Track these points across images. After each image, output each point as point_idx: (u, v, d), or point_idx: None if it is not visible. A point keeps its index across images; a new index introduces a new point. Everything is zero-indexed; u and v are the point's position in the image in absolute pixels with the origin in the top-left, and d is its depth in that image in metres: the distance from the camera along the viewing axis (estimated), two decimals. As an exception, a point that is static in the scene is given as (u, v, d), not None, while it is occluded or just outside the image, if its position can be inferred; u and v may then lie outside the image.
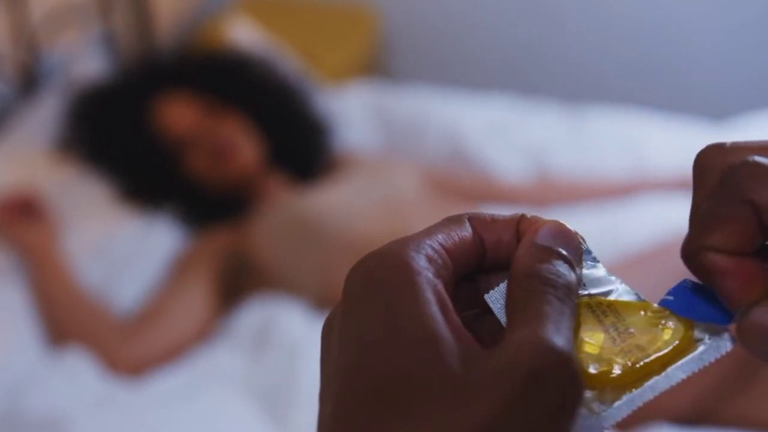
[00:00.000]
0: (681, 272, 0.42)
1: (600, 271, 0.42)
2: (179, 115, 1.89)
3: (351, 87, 2.28)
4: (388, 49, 2.79)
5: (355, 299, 0.39)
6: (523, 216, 0.42)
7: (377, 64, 2.70)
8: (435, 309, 0.37)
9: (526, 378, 0.35)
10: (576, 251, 0.41)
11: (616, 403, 0.38)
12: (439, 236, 0.41)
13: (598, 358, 0.39)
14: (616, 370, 0.39)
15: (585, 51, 2.71)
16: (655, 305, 0.41)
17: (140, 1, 2.34)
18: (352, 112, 2.17)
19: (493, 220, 0.42)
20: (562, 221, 0.42)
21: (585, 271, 0.42)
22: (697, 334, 0.40)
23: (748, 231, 0.39)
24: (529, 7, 2.70)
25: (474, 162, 2.06)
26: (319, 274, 1.71)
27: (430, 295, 0.38)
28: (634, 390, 0.39)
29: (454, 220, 0.42)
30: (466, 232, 0.41)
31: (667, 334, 0.40)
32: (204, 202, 1.87)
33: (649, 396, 0.39)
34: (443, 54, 2.81)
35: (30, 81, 2.10)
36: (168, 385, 1.55)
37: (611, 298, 0.41)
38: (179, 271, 1.77)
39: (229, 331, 1.68)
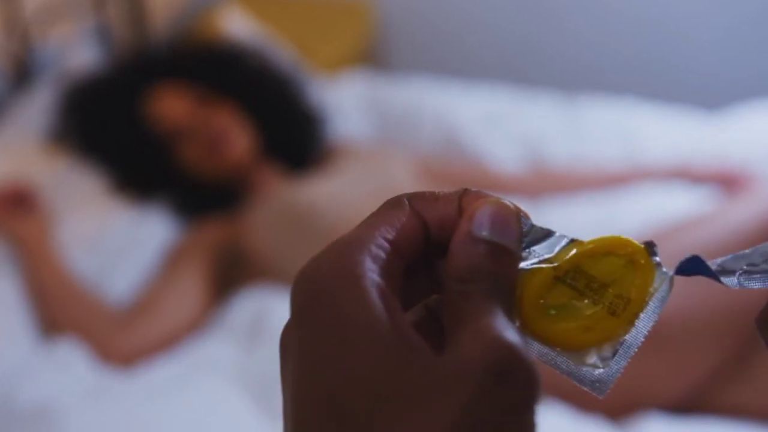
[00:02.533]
0: (674, 259, 0.42)
1: (547, 235, 0.42)
2: (172, 107, 1.88)
3: (345, 78, 2.28)
4: (383, 40, 2.79)
5: (302, 312, 0.38)
6: (465, 191, 0.41)
7: (372, 55, 2.70)
8: (382, 315, 0.36)
9: (484, 376, 0.34)
10: (514, 233, 0.40)
11: (617, 353, 0.40)
12: (381, 228, 0.39)
13: (587, 324, 0.40)
14: (606, 326, 0.40)
15: (580, 41, 2.71)
16: (606, 236, 0.42)
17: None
18: (347, 103, 2.17)
19: (435, 198, 0.41)
20: (500, 201, 0.40)
21: (536, 246, 0.41)
22: (657, 274, 0.42)
23: None
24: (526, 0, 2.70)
25: (469, 152, 2.06)
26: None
27: (375, 300, 0.37)
28: (627, 336, 0.40)
29: (393, 205, 0.40)
30: (407, 216, 0.40)
31: (637, 276, 0.41)
32: (197, 194, 1.87)
33: (641, 338, 0.40)
34: (438, 45, 2.81)
35: (23, 73, 2.09)
36: (161, 376, 1.55)
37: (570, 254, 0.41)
38: (173, 262, 1.77)
39: (223, 322, 1.68)
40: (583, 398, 1.42)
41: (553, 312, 0.40)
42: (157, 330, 1.65)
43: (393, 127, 2.13)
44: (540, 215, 1.90)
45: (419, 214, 0.40)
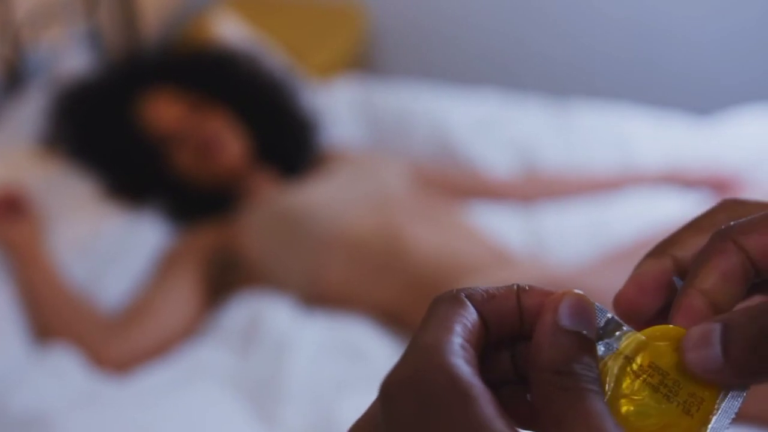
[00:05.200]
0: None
1: (616, 326, 0.41)
2: (165, 112, 1.88)
3: (338, 83, 2.27)
4: (375, 45, 2.79)
5: (409, 422, 0.38)
6: (521, 288, 0.41)
7: (364, 60, 2.70)
8: (499, 424, 0.37)
9: None
10: (594, 325, 0.40)
11: None
12: (458, 329, 0.39)
13: (664, 422, 0.39)
14: (682, 425, 0.39)
15: (572, 47, 2.72)
16: (670, 328, 0.41)
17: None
18: (339, 108, 2.17)
19: (491, 296, 0.41)
20: (579, 292, 0.41)
21: (608, 338, 0.41)
22: None
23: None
24: (517, 2, 2.71)
25: (461, 158, 2.06)
26: (307, 270, 1.71)
27: (490, 410, 0.37)
28: None
29: (456, 304, 0.41)
30: (473, 314, 0.41)
31: None
32: (190, 199, 1.87)
33: None
34: (430, 50, 2.81)
35: (15, 78, 2.09)
36: (154, 382, 1.54)
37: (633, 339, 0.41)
38: (165, 267, 1.77)
39: (217, 327, 1.67)
40: None
41: (630, 408, 0.40)
42: (150, 336, 1.64)
43: (385, 133, 2.13)
44: (533, 220, 1.90)
45: (478, 311, 0.41)
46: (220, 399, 1.50)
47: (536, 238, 1.86)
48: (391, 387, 0.39)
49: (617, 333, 0.41)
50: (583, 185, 1.95)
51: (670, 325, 0.40)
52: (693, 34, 2.62)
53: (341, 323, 1.64)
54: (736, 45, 2.62)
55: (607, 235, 1.80)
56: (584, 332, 0.40)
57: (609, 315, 0.41)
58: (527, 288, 0.41)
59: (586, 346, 0.39)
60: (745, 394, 0.39)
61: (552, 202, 1.94)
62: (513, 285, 0.42)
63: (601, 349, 0.41)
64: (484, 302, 0.41)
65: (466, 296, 0.41)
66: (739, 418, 0.39)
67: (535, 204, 1.94)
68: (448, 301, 0.41)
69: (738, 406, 0.39)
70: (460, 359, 0.38)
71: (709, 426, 0.39)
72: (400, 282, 1.64)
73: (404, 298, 1.63)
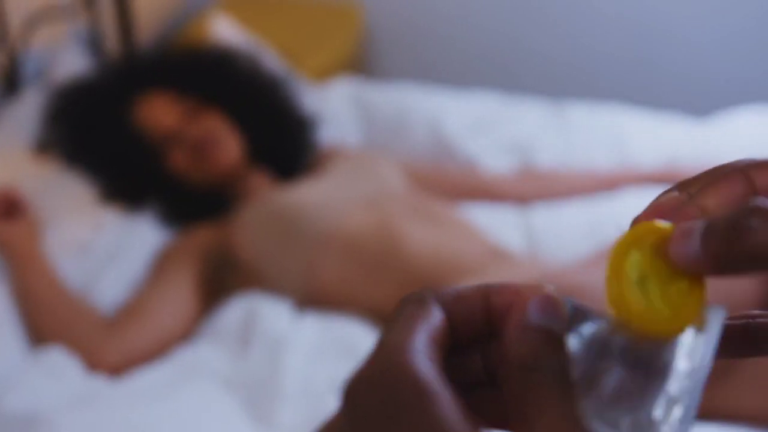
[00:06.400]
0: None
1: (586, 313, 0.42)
2: (161, 113, 1.88)
3: (334, 83, 2.27)
4: (371, 46, 2.79)
5: (371, 422, 0.38)
6: (491, 288, 0.42)
7: (360, 61, 2.70)
8: (460, 424, 0.37)
9: None
10: (562, 318, 0.41)
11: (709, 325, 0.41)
12: (422, 329, 0.40)
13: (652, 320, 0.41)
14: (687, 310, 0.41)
15: (568, 46, 2.72)
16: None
17: (122, 0, 2.33)
18: (335, 108, 2.17)
19: (460, 297, 0.42)
20: (548, 288, 0.41)
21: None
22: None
23: None
24: (514, 2, 2.71)
25: (458, 158, 2.06)
26: (303, 270, 1.71)
27: (452, 409, 0.37)
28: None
29: (421, 305, 0.41)
30: (438, 315, 0.41)
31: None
32: (186, 200, 1.87)
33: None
34: (426, 51, 2.81)
35: (11, 80, 2.09)
36: (150, 382, 1.54)
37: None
38: (162, 268, 1.77)
39: (213, 327, 1.67)
40: None
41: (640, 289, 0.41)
42: (147, 337, 1.64)
43: (381, 133, 2.14)
44: (529, 219, 1.90)
45: (445, 311, 0.41)
46: (217, 399, 1.50)
47: (533, 237, 1.86)
48: (354, 387, 0.39)
49: (588, 322, 0.41)
50: (579, 185, 1.96)
51: (660, 223, 0.41)
52: (690, 35, 2.63)
53: (337, 323, 1.64)
54: (734, 46, 2.62)
55: (603, 234, 1.80)
56: (553, 328, 0.40)
57: (575, 304, 0.42)
58: (498, 287, 0.42)
59: (555, 341, 0.40)
60: (725, 311, 0.41)
61: (549, 202, 1.94)
62: (483, 285, 0.42)
63: (573, 342, 0.41)
64: (453, 303, 0.41)
65: (435, 297, 0.41)
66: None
67: (532, 203, 1.95)
68: (413, 302, 0.41)
69: (721, 318, 0.41)
70: (423, 359, 0.38)
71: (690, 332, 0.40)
72: (396, 281, 1.64)
73: (400, 295, 1.62)
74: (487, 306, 0.42)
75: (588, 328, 0.41)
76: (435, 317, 0.41)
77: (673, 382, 0.40)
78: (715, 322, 0.41)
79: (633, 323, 0.40)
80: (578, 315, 0.42)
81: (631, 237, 0.41)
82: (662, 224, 0.41)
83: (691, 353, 0.40)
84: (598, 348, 0.41)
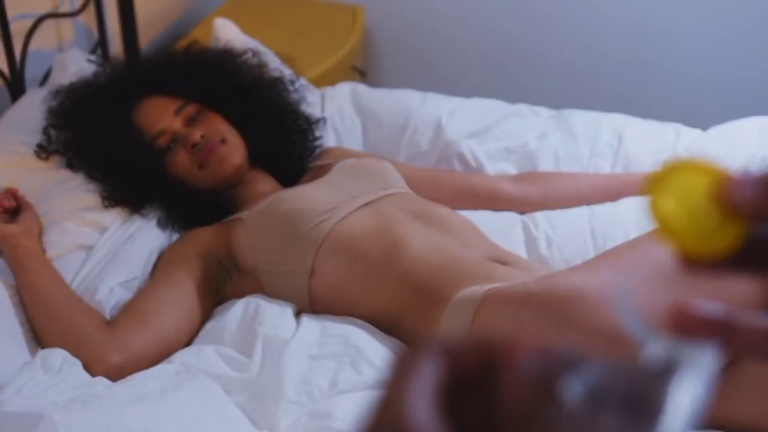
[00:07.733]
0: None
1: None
2: (164, 115, 1.89)
3: (335, 87, 2.28)
4: (372, 50, 2.80)
5: None
6: (488, 337, 0.43)
7: (361, 64, 2.70)
8: None
9: None
10: (557, 366, 0.41)
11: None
12: (424, 382, 0.41)
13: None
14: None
15: (570, 54, 2.73)
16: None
17: (126, 5, 2.33)
18: (336, 114, 2.17)
19: (459, 347, 0.42)
20: (542, 341, 0.42)
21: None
22: None
23: None
24: (515, 7, 2.72)
25: (458, 162, 2.07)
26: (304, 272, 1.71)
27: None
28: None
29: (420, 356, 0.42)
30: (437, 366, 0.42)
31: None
32: (189, 202, 1.87)
33: None
34: (427, 51, 2.82)
35: (14, 82, 2.09)
36: (151, 382, 1.54)
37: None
38: (164, 270, 1.77)
39: (214, 329, 1.67)
40: None
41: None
42: (148, 339, 1.63)
43: (381, 137, 2.14)
44: (529, 223, 1.90)
45: (445, 360, 0.42)
46: (217, 400, 1.50)
47: (533, 241, 1.86)
48: None
49: (583, 370, 0.42)
50: (581, 193, 1.96)
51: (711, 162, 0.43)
52: (690, 45, 2.64)
53: (337, 325, 1.64)
54: (734, 55, 2.63)
55: (603, 237, 1.81)
56: (547, 378, 0.41)
57: (570, 351, 0.42)
58: (496, 336, 0.42)
59: (549, 391, 0.41)
60: None
61: (548, 209, 1.94)
62: (483, 334, 0.43)
63: (568, 391, 0.41)
64: (453, 352, 0.42)
65: (435, 347, 0.42)
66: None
67: (532, 209, 1.95)
68: (413, 353, 0.42)
69: (713, 360, 0.41)
70: (425, 415, 0.39)
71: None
72: (396, 283, 1.64)
73: (401, 299, 1.63)
74: (486, 355, 0.42)
75: (583, 376, 0.41)
76: (435, 368, 0.41)
77: (666, 428, 0.40)
78: (708, 365, 0.41)
79: (673, 237, 0.42)
80: (573, 362, 0.42)
81: (684, 164, 0.43)
82: (715, 164, 0.43)
83: (684, 398, 0.40)
84: (592, 396, 0.41)
